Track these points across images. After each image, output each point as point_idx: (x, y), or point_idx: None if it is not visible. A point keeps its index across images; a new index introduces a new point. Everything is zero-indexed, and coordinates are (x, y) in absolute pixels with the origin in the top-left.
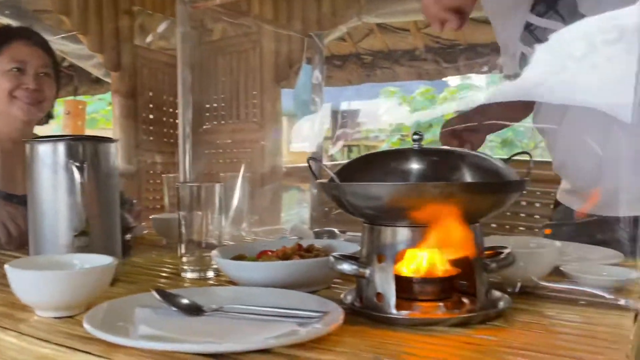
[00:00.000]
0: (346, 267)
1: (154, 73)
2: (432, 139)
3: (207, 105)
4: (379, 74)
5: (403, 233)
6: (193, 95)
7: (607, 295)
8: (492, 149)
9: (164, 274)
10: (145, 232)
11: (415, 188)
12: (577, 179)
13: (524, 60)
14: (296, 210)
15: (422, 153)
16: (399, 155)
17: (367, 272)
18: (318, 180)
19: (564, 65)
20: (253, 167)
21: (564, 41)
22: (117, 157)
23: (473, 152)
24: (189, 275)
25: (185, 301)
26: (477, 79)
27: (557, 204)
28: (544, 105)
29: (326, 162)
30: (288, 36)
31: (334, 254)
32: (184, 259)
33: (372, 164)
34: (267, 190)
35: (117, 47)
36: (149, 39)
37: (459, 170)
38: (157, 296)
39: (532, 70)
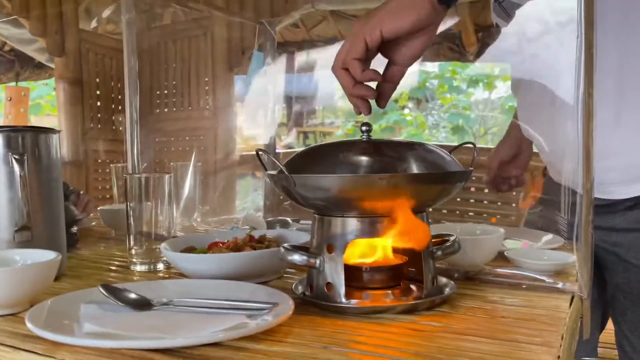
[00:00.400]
0: (296, 257)
1: (101, 58)
2: (385, 125)
3: (158, 92)
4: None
5: (352, 223)
6: (142, 82)
7: (546, 279)
8: (445, 134)
9: (112, 267)
10: (93, 223)
11: (362, 180)
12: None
13: (498, 33)
14: (251, 198)
15: (371, 144)
16: (347, 146)
17: (317, 262)
18: (268, 172)
19: (520, 46)
20: (206, 155)
21: (522, 20)
22: (59, 148)
23: (420, 143)
24: (138, 268)
25: (132, 296)
26: (430, 66)
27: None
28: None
29: (281, 149)
30: (240, 22)
31: (285, 244)
32: (133, 252)
33: (321, 156)
34: (220, 178)
35: (61, 31)
36: (94, 23)
37: (405, 161)
38: (103, 291)
39: (496, 48)
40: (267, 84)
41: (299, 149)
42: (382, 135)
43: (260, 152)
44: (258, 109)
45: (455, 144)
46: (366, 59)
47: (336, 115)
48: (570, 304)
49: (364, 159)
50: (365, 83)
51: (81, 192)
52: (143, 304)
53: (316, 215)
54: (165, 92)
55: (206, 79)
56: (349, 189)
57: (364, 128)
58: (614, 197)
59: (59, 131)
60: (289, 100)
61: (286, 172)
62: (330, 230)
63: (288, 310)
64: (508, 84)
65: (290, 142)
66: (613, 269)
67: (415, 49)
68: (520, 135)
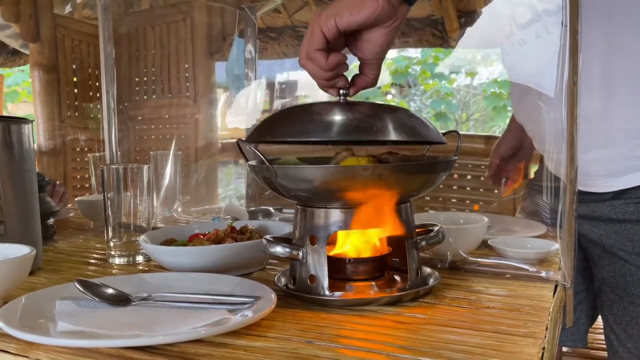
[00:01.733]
0: (279, 250)
1: (77, 44)
2: None
3: (137, 79)
4: None
5: (335, 214)
6: (121, 69)
7: (530, 269)
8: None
9: (90, 260)
10: (71, 214)
11: (345, 170)
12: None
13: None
14: (234, 186)
15: (347, 105)
16: (323, 106)
17: (300, 254)
18: (248, 162)
19: (512, 31)
20: (187, 143)
21: (512, 5)
22: (32, 138)
23: (401, 108)
24: (117, 261)
25: (110, 291)
26: (413, 52)
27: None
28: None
29: None
30: (220, 8)
31: (267, 236)
32: (111, 244)
33: (296, 116)
34: (202, 166)
35: (35, 16)
36: (68, 8)
37: (381, 121)
38: (79, 287)
39: (494, 32)
40: (247, 71)
41: None
42: None
43: (240, 142)
44: (240, 96)
45: (439, 130)
46: (329, 49)
47: (319, 98)
48: (554, 293)
49: (338, 118)
50: (334, 71)
51: (57, 182)
52: (121, 300)
53: (299, 206)
54: (145, 78)
55: (186, 66)
56: (332, 180)
57: (341, 91)
58: (598, 190)
59: (31, 121)
60: (272, 86)
61: (267, 163)
62: (314, 222)
63: (270, 304)
64: (490, 69)
65: None
66: (599, 263)
67: (377, 44)
68: (520, 128)
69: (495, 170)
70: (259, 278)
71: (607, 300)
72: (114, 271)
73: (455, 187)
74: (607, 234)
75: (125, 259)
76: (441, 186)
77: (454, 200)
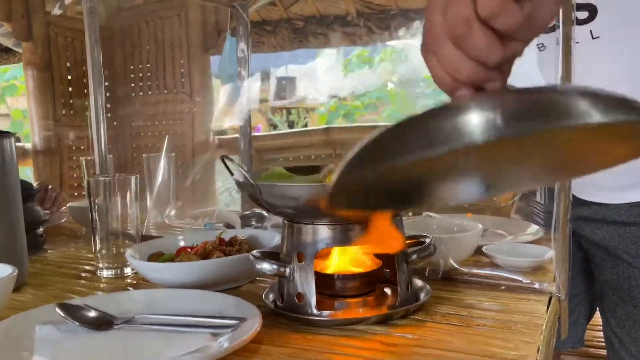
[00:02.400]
0: (266, 267)
1: (71, 42)
2: (368, 101)
3: (132, 75)
4: (312, 40)
5: (323, 231)
6: (115, 65)
7: (523, 280)
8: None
9: (79, 273)
10: (63, 220)
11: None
12: None
13: None
14: (231, 182)
15: None
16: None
17: (287, 271)
18: (233, 177)
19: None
20: (184, 139)
21: None
22: (14, 152)
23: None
24: (105, 273)
25: (92, 314)
26: (412, 43)
27: None
28: None
29: (266, 131)
30: (214, 5)
31: (254, 252)
32: (99, 256)
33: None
34: (198, 162)
35: (27, 14)
36: (57, 10)
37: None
38: (60, 312)
39: None
40: (241, 69)
41: (284, 128)
42: (364, 112)
43: (224, 158)
44: (233, 92)
45: None
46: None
47: (318, 92)
48: (548, 307)
49: None
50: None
51: (49, 187)
52: (103, 323)
53: (286, 222)
54: (140, 74)
55: (182, 61)
56: (318, 198)
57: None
58: (607, 202)
59: (14, 134)
60: (269, 78)
61: (251, 180)
62: (301, 238)
63: (254, 326)
64: None
65: (273, 119)
66: (602, 265)
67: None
68: None
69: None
70: (248, 292)
71: (609, 302)
72: (102, 285)
73: None
74: (610, 237)
75: (114, 271)
76: None
77: None
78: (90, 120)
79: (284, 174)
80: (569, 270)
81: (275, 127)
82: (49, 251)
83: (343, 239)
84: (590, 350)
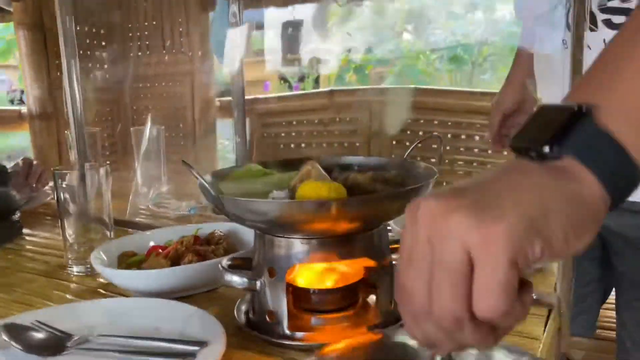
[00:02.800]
0: (235, 280)
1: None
2: (381, 56)
3: (130, 34)
4: None
5: (296, 245)
6: (113, 25)
7: None
8: (442, 63)
9: (49, 268)
10: (49, 197)
11: (300, 206)
12: None
13: None
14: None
15: None
16: None
17: (258, 285)
18: (199, 182)
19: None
20: (184, 101)
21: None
22: None
23: None
24: (76, 270)
25: (40, 336)
26: None
27: None
28: None
29: (276, 87)
30: None
31: (224, 261)
32: (69, 252)
33: None
34: (200, 122)
35: None
36: None
37: None
38: (5, 337)
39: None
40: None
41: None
42: (377, 66)
43: (184, 164)
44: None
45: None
46: None
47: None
48: (546, 324)
49: None
50: None
51: (34, 162)
52: (53, 347)
53: (256, 232)
54: (138, 34)
55: (180, 20)
56: (286, 215)
57: None
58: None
59: None
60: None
61: (212, 192)
62: (273, 252)
63: (215, 356)
64: (508, 6)
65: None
66: (621, 254)
67: None
68: (520, 80)
69: (497, 130)
70: (222, 297)
71: (625, 296)
72: (71, 285)
73: (462, 149)
74: (630, 226)
75: (83, 267)
76: (448, 147)
77: (460, 163)
78: (65, 97)
79: (258, 171)
80: (572, 280)
81: (285, 80)
82: (26, 238)
83: (319, 254)
84: (597, 331)
